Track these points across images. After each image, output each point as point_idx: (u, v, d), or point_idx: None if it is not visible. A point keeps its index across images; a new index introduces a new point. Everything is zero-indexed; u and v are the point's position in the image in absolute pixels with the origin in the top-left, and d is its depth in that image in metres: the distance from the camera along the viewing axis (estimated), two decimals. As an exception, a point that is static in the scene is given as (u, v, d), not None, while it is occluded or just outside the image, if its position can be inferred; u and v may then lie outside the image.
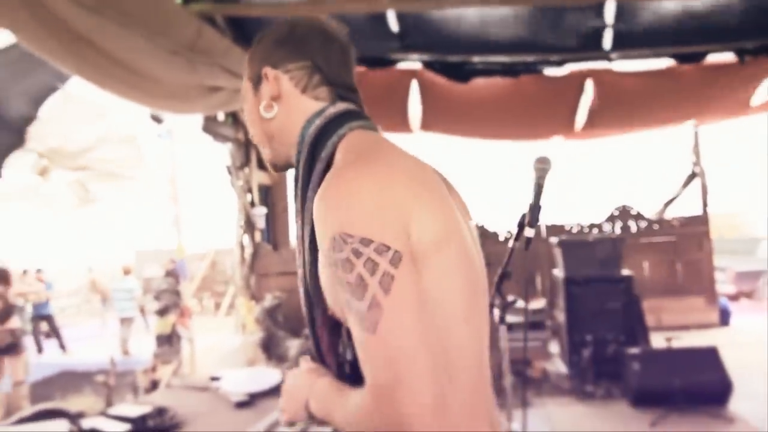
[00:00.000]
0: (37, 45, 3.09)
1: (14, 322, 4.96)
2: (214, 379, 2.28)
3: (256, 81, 0.93)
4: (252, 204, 5.35)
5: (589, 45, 5.01)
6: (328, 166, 0.83)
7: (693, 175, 7.25)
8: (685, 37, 4.81)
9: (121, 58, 3.55)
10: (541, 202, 1.86)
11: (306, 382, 0.87)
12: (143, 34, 3.59)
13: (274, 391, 2.12)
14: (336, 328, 0.82)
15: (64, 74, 4.62)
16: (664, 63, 5.19)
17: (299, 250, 0.89)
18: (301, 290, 0.89)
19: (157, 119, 6.86)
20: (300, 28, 0.94)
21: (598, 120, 5.55)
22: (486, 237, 6.56)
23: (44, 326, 9.77)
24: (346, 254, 0.70)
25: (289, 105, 0.91)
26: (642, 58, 5.24)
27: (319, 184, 0.80)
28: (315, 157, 0.86)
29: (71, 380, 6.00)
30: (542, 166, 1.84)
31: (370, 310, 0.68)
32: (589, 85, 5.26)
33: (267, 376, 2.20)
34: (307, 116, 0.89)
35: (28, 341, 9.45)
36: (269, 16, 4.82)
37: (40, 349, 9.46)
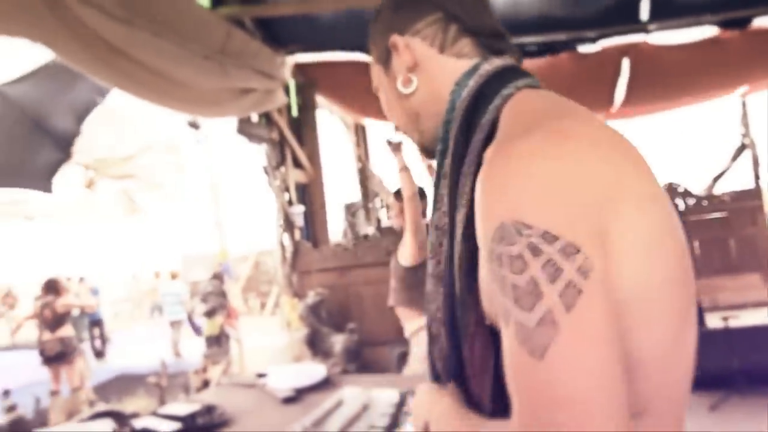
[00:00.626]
0: (72, 57, 3.18)
1: (66, 331, 5.15)
2: (260, 375, 2.29)
3: (385, 58, 0.79)
4: (290, 203, 5.39)
5: (624, 17, 4.82)
6: (488, 136, 0.65)
7: (743, 147, 6.91)
8: (728, 2, 4.57)
9: (153, 67, 3.62)
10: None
11: (425, 401, 0.73)
12: (174, 40, 3.66)
13: (320, 386, 2.12)
14: (493, 342, 0.62)
15: (104, 89, 4.76)
16: (707, 32, 4.95)
17: (440, 242, 0.73)
18: (442, 292, 0.72)
19: (195, 125, 6.99)
20: None
21: (637, 97, 5.35)
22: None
23: (96, 332, 10.16)
24: (518, 249, 0.53)
25: (428, 71, 0.75)
26: (682, 27, 5.01)
27: (477, 158, 0.65)
28: (471, 125, 0.69)
29: (127, 383, 6.21)
30: None
31: (541, 327, 0.51)
32: (626, 62, 5.08)
33: (312, 371, 2.20)
34: (455, 79, 0.72)
35: (86, 347, 9.87)
36: (297, 15, 4.83)
37: (98, 354, 9.84)
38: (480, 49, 0.74)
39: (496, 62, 0.71)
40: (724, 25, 4.81)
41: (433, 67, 0.75)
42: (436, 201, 0.75)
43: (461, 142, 0.69)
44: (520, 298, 0.52)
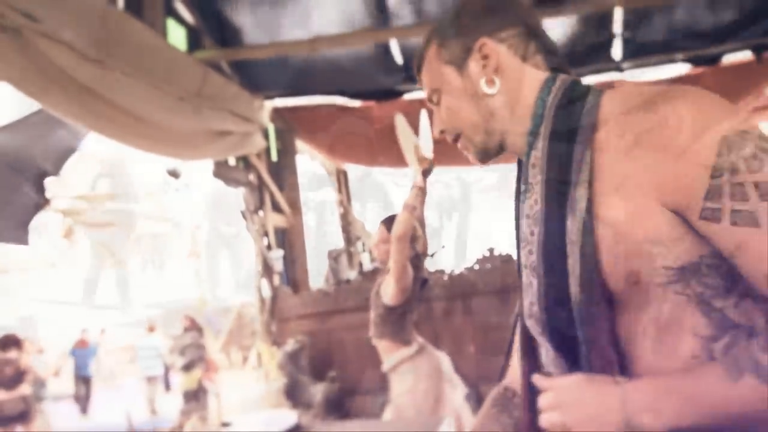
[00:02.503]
0: (44, 99, 3.10)
1: (24, 389, 4.88)
2: (225, 425, 2.12)
3: (462, 59, 0.86)
4: (269, 247, 5.26)
5: (598, 57, 4.91)
6: (593, 125, 0.74)
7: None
8: (698, 40, 4.68)
9: (126, 107, 3.56)
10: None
11: (603, 392, 0.68)
12: (149, 82, 3.61)
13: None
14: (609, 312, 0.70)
15: (80, 133, 4.69)
16: (679, 69, 5.05)
17: (531, 231, 0.79)
18: (535, 283, 0.77)
19: (175, 174, 6.90)
20: None
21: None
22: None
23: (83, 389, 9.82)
24: (750, 149, 0.62)
25: (511, 76, 0.84)
26: (654, 65, 5.12)
27: (587, 142, 0.73)
28: (570, 119, 0.77)
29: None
30: None
31: None
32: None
33: (281, 418, 2.04)
34: (538, 85, 0.83)
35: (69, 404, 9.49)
36: (274, 59, 4.86)
37: (82, 410, 9.58)
38: (547, 64, 0.85)
39: (564, 74, 0.84)
40: (694, 62, 4.91)
41: (517, 73, 0.84)
42: (526, 191, 0.83)
43: (562, 133, 0.77)
44: (765, 194, 0.60)
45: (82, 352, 9.76)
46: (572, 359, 0.74)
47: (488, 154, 0.89)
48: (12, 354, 4.87)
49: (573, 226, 0.71)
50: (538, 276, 0.76)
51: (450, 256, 23.30)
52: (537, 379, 0.77)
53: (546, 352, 0.82)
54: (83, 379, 9.66)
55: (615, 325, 0.70)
